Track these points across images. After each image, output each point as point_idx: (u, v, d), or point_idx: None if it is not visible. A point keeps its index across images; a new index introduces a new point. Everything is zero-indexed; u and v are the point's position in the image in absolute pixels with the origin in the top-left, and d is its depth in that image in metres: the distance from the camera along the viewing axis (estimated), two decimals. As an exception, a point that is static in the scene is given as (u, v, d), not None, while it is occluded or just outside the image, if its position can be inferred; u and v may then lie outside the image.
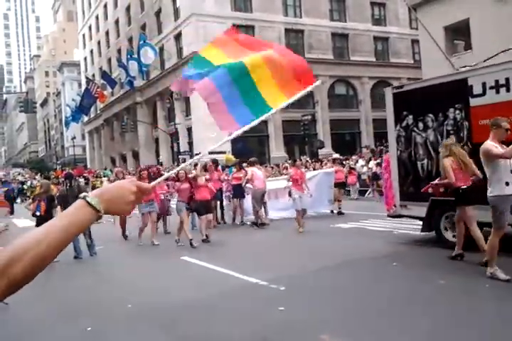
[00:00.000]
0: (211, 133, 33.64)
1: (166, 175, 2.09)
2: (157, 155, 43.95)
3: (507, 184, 5.31)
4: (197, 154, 34.59)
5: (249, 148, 34.45)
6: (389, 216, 9.00)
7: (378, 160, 20.44)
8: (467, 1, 19.46)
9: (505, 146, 5.36)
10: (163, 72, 39.92)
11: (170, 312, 5.11)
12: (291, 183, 10.65)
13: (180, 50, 37.81)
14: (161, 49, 38.78)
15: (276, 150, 35.82)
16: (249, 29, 36.34)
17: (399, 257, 7.17)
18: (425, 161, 7.86)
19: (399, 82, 40.86)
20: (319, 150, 30.60)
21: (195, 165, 10.89)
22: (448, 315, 4.46)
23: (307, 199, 10.64)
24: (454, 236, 7.27)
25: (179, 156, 33.46)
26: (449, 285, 5.47)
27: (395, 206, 8.52)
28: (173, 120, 35.46)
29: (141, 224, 10.09)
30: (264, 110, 2.51)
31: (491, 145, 5.39)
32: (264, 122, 36.55)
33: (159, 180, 1.72)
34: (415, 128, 7.95)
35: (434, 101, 7.58)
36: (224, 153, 31.03)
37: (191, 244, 9.00)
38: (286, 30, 37.33)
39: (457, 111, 7.19)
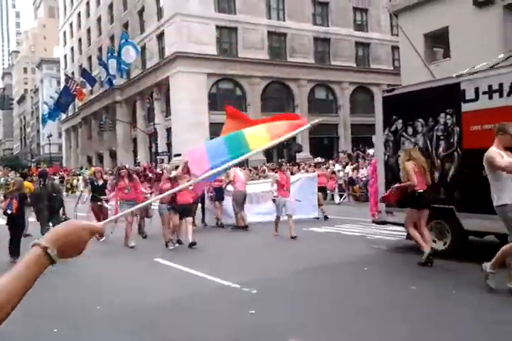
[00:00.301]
0: (191, 134, 33.56)
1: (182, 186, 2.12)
2: (135, 155, 43.52)
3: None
4: (176, 155, 34.36)
5: (229, 150, 34.37)
6: (374, 222, 8.77)
7: (354, 165, 20.62)
8: (447, 10, 19.79)
9: (510, 153, 5.16)
10: (144, 71, 39.62)
11: (137, 314, 5.03)
12: (275, 187, 10.26)
13: (162, 50, 37.59)
14: (143, 48, 38.49)
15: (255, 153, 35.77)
16: (232, 31, 36.36)
17: (371, 262, 7.20)
18: None
19: (378, 88, 41.34)
20: (297, 154, 30.73)
21: (177, 167, 10.55)
22: (422, 319, 4.49)
23: (292, 204, 10.29)
24: (433, 241, 7.25)
25: (157, 157, 33.24)
26: (421, 290, 5.52)
27: (379, 212, 8.28)
28: (152, 120, 35.22)
29: (125, 225, 9.66)
30: (241, 151, 2.59)
31: (495, 152, 5.09)
32: (245, 124, 36.53)
33: (176, 189, 1.65)
34: (404, 133, 7.79)
35: (424, 105, 7.44)
36: (203, 154, 30.91)
37: (167, 244, 8.85)
38: (269, 33, 37.43)
39: (448, 117, 7.07)
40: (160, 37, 37.99)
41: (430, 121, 7.32)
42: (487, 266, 5.17)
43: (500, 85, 6.38)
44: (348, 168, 20.65)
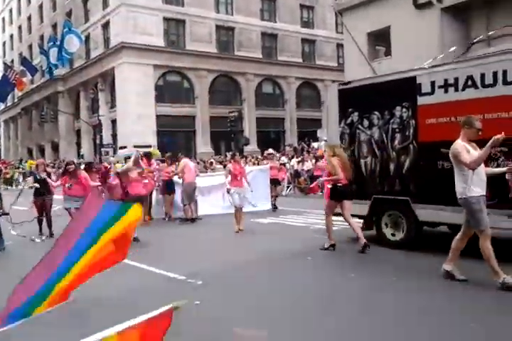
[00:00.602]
0: (137, 126, 33.10)
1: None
2: (78, 147, 42.38)
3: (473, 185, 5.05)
4: (122, 147, 33.80)
5: (176, 142, 34.22)
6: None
7: (299, 158, 21.20)
8: (389, 10, 20.61)
9: (475, 145, 5.18)
10: (88, 61, 38.59)
11: (72, 308, 4.96)
12: (229, 179, 10.01)
13: (107, 40, 36.73)
14: (87, 37, 37.47)
15: (203, 145, 35.88)
16: (180, 23, 36.08)
17: (314, 252, 7.35)
18: (369, 159, 7.69)
19: (323, 84, 42.40)
20: (245, 147, 31.06)
21: (127, 158, 10.10)
22: (361, 305, 4.76)
23: (247, 195, 10.09)
24: (392, 234, 7.42)
25: (102, 149, 32.55)
26: (360, 278, 5.73)
27: None
28: (96, 111, 34.40)
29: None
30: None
31: (461, 146, 5.08)
32: (192, 117, 36.48)
33: None
34: (360, 126, 7.77)
35: (381, 98, 7.40)
36: (149, 147, 30.63)
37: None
38: (218, 27, 37.43)
39: (404, 110, 7.07)
40: (105, 26, 37.10)
41: (386, 114, 7.35)
42: (444, 266, 5.34)
43: (456, 79, 6.44)
44: (294, 161, 21.18)
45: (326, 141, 24.40)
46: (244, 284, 5.72)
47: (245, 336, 4.00)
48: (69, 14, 41.70)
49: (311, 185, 8.87)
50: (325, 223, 7.65)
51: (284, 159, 22.30)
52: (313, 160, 19.51)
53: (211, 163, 23.58)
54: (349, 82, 8.20)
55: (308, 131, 36.35)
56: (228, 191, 9.97)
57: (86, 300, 5.10)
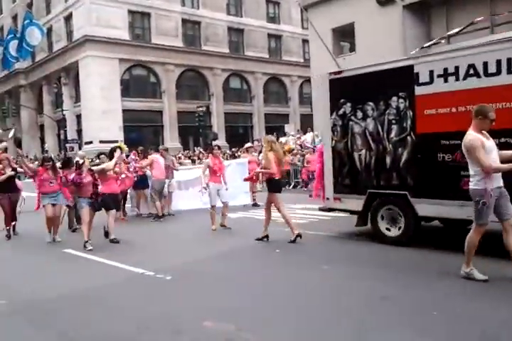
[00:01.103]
0: (102, 121, 32.63)
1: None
2: (42, 142, 41.46)
3: (490, 178, 4.87)
4: (87, 143, 33.27)
5: (143, 137, 33.90)
6: (320, 209, 8.45)
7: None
8: (353, 6, 20.97)
9: (487, 134, 4.99)
10: (50, 54, 37.70)
11: (45, 306, 4.90)
12: (207, 173, 9.51)
13: (70, 33, 35.96)
14: (49, 30, 36.55)
15: (171, 140, 35.65)
16: (145, 16, 35.65)
17: (283, 245, 7.43)
18: (363, 152, 7.34)
19: (290, 80, 42.75)
20: (213, 142, 31.04)
21: (99, 154, 9.43)
22: (332, 295, 4.90)
23: (225, 191, 9.57)
24: (387, 229, 7.14)
25: (66, 145, 31.94)
26: (327, 269, 5.85)
27: (327, 199, 7.95)
28: (60, 106, 33.71)
29: (46, 218, 8.65)
30: None
31: (477, 140, 4.85)
32: (159, 112, 36.20)
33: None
34: (353, 117, 7.41)
35: (375, 88, 7.10)
36: (116, 142, 30.26)
37: (85, 246, 7.72)
38: (183, 21, 37.16)
39: (401, 100, 6.75)
40: (68, 19, 36.30)
41: (381, 105, 7.01)
42: (463, 269, 5.11)
43: (456, 68, 6.15)
44: (262, 156, 21.30)
45: (292, 135, 24.70)
46: (213, 278, 5.74)
47: (214, 329, 4.06)
48: (30, 5, 40.55)
49: (247, 177, 9.23)
50: (265, 215, 7.95)
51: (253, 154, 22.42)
52: (316, 152, 19.51)
53: (179, 158, 23.54)
54: (341, 72, 7.76)
55: (275, 126, 36.63)
56: (205, 187, 9.38)
57: (53, 298, 5.14)
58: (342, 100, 7.55)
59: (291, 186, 18.53)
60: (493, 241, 5.28)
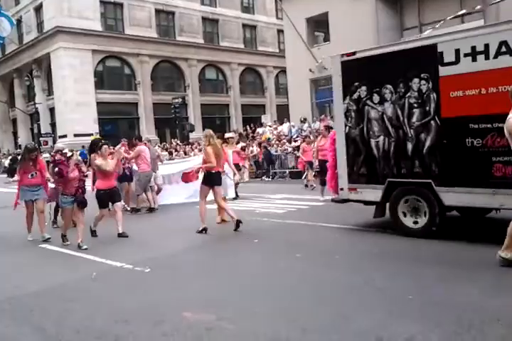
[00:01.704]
0: (76, 114, 32.12)
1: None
2: (15, 136, 40.66)
3: None
4: (61, 136, 32.73)
5: (119, 130, 33.54)
6: (333, 201, 7.99)
7: (244, 144, 21.45)
8: (327, -4, 21.04)
9: None
10: (21, 46, 36.80)
11: (17, 301, 4.88)
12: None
13: (41, 24, 35.16)
14: (19, 21, 35.63)
15: (147, 133, 35.31)
16: (117, 7, 35.05)
17: (260, 234, 7.50)
18: (381, 138, 6.85)
19: (266, 70, 42.68)
20: (190, 134, 30.91)
21: (90, 147, 8.92)
22: (306, 282, 5.03)
23: (229, 182, 9.19)
24: (415, 222, 6.68)
25: (40, 138, 31.40)
26: (305, 258, 5.95)
27: (341, 189, 7.44)
28: (33, 99, 33.04)
29: (26, 214, 8.22)
30: None
31: None
32: (134, 104, 35.81)
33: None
34: (369, 102, 6.92)
35: (394, 70, 6.63)
36: (91, 135, 29.85)
37: (79, 246, 7.23)
38: (157, 11, 36.66)
39: (423, 82, 6.30)
40: (38, 10, 35.46)
41: (401, 87, 6.54)
42: (500, 253, 4.91)
43: (486, 46, 5.73)
44: (239, 146, 21.36)
45: (270, 126, 24.75)
46: (192, 270, 5.77)
47: (194, 319, 4.10)
48: (-3, -4, 39.46)
49: (187, 171, 8.95)
50: (200, 209, 8.04)
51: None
52: (328, 140, 19.65)
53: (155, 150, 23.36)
54: (354, 53, 7.18)
55: (252, 117, 36.62)
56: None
57: (31, 293, 5.11)
58: (356, 83, 7.06)
59: (269, 177, 18.66)
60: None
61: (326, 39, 22.82)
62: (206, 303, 4.48)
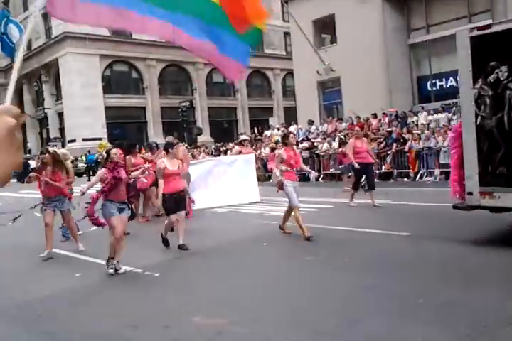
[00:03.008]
0: (85, 119, 32.29)
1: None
2: (24, 141, 40.90)
3: None
4: (70, 141, 32.95)
5: (127, 134, 33.68)
6: (456, 208, 6.30)
7: (253, 147, 21.42)
8: (333, -2, 21.01)
9: None
10: (29, 52, 37.12)
11: (34, 307, 4.88)
12: (282, 168, 7.36)
13: (49, 30, 35.46)
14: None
15: (155, 136, 35.43)
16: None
17: (270, 238, 7.45)
18: None
19: (273, 73, 42.69)
20: (198, 137, 30.96)
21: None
22: (313, 283, 5.00)
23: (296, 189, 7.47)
24: None
25: (49, 143, 31.59)
26: (315, 261, 5.91)
27: (469, 193, 6.01)
28: (42, 104, 33.30)
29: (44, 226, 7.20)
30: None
31: None
32: (142, 108, 35.95)
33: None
34: (511, 85, 5.59)
35: None
36: (100, 139, 30.04)
37: (107, 264, 6.07)
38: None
39: None
40: (46, 15, 35.69)
41: None
42: None
43: None
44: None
45: (278, 129, 24.73)
46: (201, 274, 5.75)
47: (205, 325, 4.07)
48: (6, 2, 39.86)
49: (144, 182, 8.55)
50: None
51: (237, 148, 22.40)
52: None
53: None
54: (489, 25, 5.95)
55: (260, 120, 36.64)
56: (281, 186, 7.35)
57: (41, 298, 5.11)
58: (493, 63, 5.70)
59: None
60: None
61: (333, 41, 22.77)
62: (217, 307, 4.45)
